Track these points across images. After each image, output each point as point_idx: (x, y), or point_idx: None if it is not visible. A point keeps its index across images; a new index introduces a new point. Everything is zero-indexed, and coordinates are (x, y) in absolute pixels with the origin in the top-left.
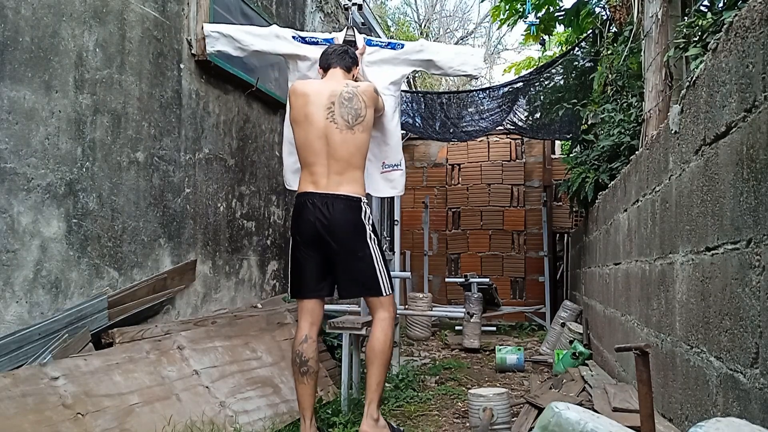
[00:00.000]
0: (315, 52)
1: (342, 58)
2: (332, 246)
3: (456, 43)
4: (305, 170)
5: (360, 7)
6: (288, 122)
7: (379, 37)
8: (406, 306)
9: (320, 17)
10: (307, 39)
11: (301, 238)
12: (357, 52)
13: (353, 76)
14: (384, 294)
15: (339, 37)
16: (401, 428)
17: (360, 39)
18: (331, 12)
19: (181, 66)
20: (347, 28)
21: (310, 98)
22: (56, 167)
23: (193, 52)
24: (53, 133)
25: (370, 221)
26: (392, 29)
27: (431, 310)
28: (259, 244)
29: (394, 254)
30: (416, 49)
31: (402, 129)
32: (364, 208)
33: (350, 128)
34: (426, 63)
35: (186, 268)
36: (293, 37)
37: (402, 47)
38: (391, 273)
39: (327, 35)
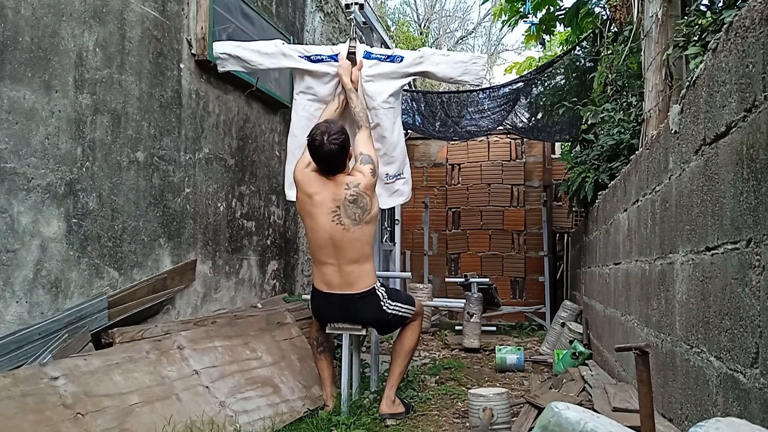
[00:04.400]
0: (322, 68)
1: (338, 165)
2: (357, 323)
3: (456, 43)
4: (317, 266)
5: (362, 6)
6: (292, 133)
7: (381, 36)
8: None
9: (320, 17)
10: (312, 57)
11: (324, 320)
12: (355, 68)
13: (350, 161)
14: (411, 315)
15: (342, 51)
16: (412, 404)
17: (360, 51)
18: (331, 12)
19: (181, 66)
20: (349, 40)
21: (314, 201)
22: (56, 167)
23: (193, 51)
24: (53, 133)
25: (383, 293)
26: (392, 29)
27: (431, 301)
28: (259, 244)
29: (394, 245)
30: (415, 61)
31: (402, 128)
32: (378, 294)
33: (358, 225)
34: (425, 74)
35: (186, 268)
36: (299, 56)
37: (401, 60)
38: (392, 273)
39: (331, 50)
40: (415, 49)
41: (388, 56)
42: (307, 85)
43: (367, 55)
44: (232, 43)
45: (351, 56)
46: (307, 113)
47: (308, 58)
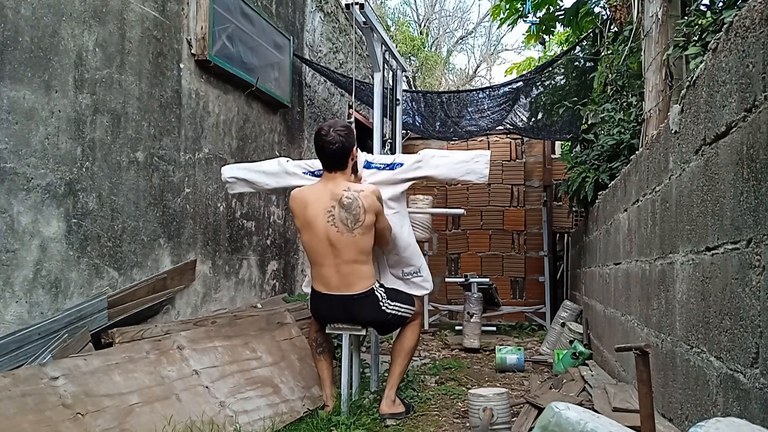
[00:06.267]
0: None
1: (340, 160)
2: (357, 323)
3: (456, 43)
4: (314, 268)
5: (362, 6)
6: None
7: (381, 36)
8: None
9: (320, 17)
10: (316, 172)
11: (324, 320)
12: (355, 181)
13: (353, 166)
14: (410, 315)
15: None
16: (412, 404)
17: (360, 161)
18: (331, 11)
19: (181, 66)
20: None
21: (310, 202)
22: (56, 167)
23: (192, 51)
24: (53, 133)
25: (382, 293)
26: (392, 29)
27: (431, 208)
28: (258, 243)
29: None
30: (413, 166)
31: (402, 129)
32: (377, 294)
33: (350, 231)
34: (425, 178)
35: (186, 268)
36: (303, 172)
37: (401, 166)
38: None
39: None
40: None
41: (388, 164)
42: None
43: (368, 165)
44: (239, 167)
45: (355, 168)
46: None
47: (312, 174)
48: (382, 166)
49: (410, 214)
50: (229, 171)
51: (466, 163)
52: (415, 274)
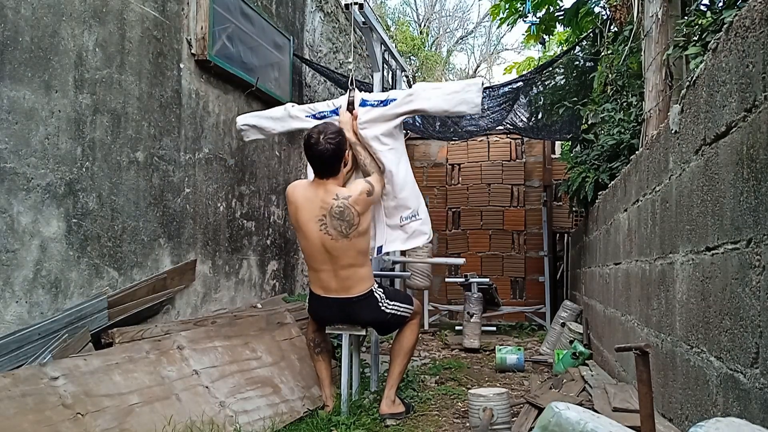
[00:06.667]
0: None
1: (332, 167)
2: (356, 324)
3: (456, 43)
4: (312, 272)
5: (361, 6)
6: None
7: (380, 36)
8: (407, 254)
9: (320, 17)
10: (317, 115)
11: (323, 321)
12: (352, 119)
13: (345, 167)
14: (410, 314)
15: (342, 104)
16: (412, 404)
17: (357, 100)
18: (331, 12)
19: (181, 66)
20: (349, 91)
21: (300, 206)
22: (56, 167)
23: (192, 51)
24: (53, 133)
25: (381, 293)
26: (392, 29)
27: (432, 258)
28: (258, 243)
29: None
30: (405, 100)
31: (403, 129)
32: (376, 295)
33: (346, 237)
34: (418, 111)
35: (186, 268)
36: (306, 116)
37: (395, 101)
38: (391, 273)
39: (332, 105)
40: (414, 51)
41: (382, 101)
42: None
43: (363, 103)
44: (251, 115)
45: (352, 107)
46: None
47: (314, 116)
48: (376, 103)
49: (410, 264)
50: (242, 119)
51: (457, 94)
52: (413, 218)
